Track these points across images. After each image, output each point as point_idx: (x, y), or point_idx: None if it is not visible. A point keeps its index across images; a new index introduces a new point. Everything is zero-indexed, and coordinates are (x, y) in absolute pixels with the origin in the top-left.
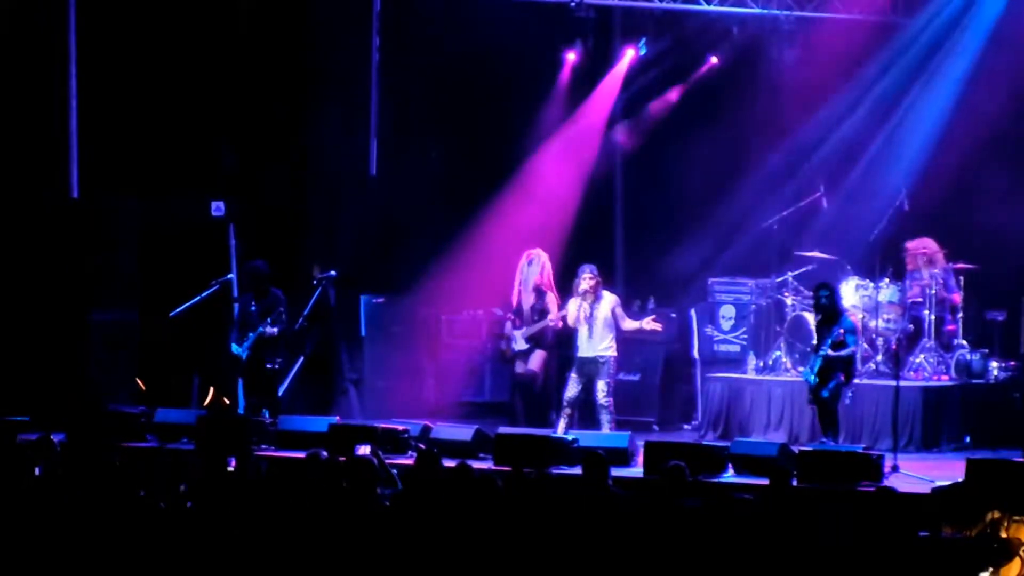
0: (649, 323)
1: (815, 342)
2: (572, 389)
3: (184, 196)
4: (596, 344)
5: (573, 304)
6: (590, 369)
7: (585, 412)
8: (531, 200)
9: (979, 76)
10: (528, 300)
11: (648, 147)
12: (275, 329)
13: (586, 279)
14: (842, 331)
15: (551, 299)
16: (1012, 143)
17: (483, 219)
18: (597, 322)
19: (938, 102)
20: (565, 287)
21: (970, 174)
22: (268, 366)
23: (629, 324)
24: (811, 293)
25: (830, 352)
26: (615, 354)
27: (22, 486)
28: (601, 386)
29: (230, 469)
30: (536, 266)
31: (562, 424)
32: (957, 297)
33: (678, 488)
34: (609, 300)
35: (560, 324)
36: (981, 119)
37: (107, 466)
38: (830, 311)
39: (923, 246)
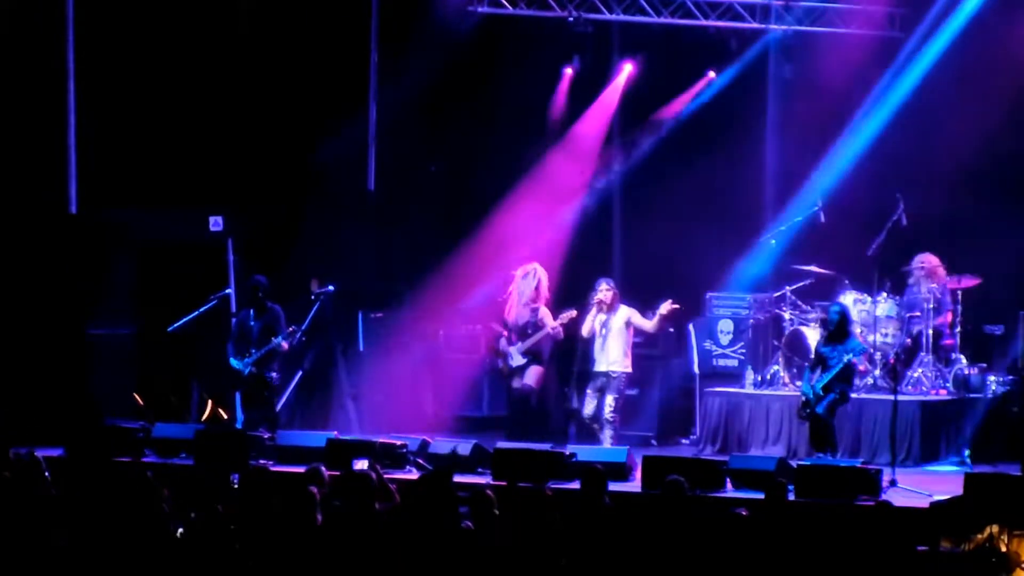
0: (667, 307)
1: (813, 356)
2: (589, 405)
3: (182, 211)
4: (608, 357)
5: (588, 316)
6: (602, 383)
7: (582, 425)
8: (530, 214)
9: (978, 90)
10: (523, 315)
11: (646, 161)
12: (287, 343)
13: (602, 290)
14: (853, 355)
15: (545, 312)
16: (1011, 156)
17: (481, 233)
18: (610, 334)
19: (937, 116)
20: (562, 301)
21: (969, 188)
22: (267, 379)
23: (651, 325)
24: (809, 308)
25: (852, 362)
26: (629, 370)
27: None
28: (609, 400)
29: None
30: (531, 280)
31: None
32: (949, 316)
33: (677, 503)
34: (624, 313)
35: (560, 334)
36: (980, 133)
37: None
38: (839, 330)
39: (923, 261)
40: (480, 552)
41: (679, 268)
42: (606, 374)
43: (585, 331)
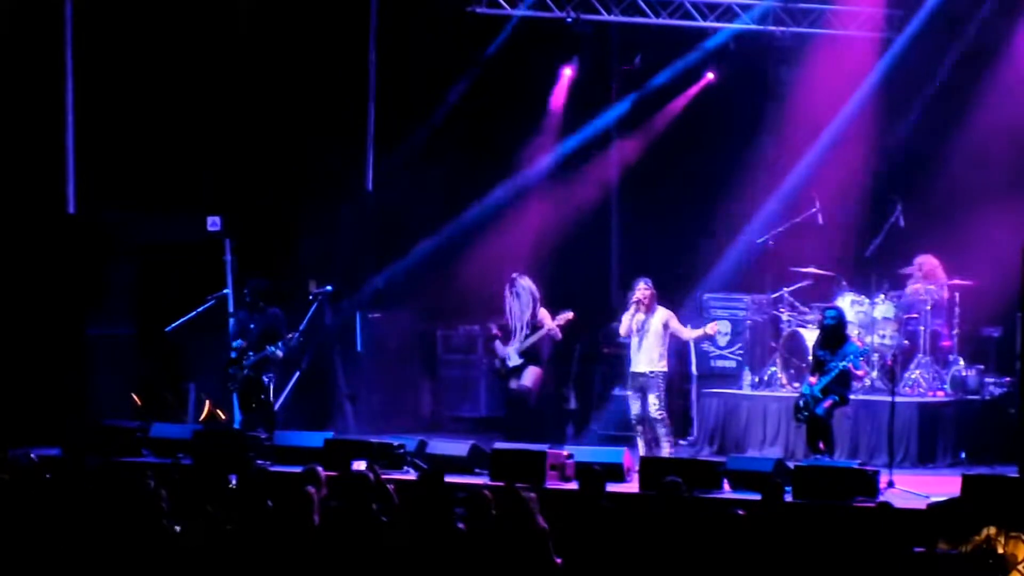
0: (713, 327)
1: (811, 359)
2: (634, 407)
3: (180, 211)
4: (645, 357)
5: (627, 316)
6: (642, 383)
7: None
8: (528, 215)
9: (976, 90)
10: (521, 317)
11: (645, 162)
12: (282, 352)
13: (640, 290)
14: (852, 359)
15: (543, 313)
16: (1010, 158)
17: (479, 234)
18: (648, 335)
19: (935, 117)
20: (561, 301)
21: (967, 189)
22: (263, 383)
23: (690, 334)
24: (807, 309)
25: (847, 369)
26: (666, 369)
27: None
28: (653, 400)
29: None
30: (519, 290)
31: (640, 443)
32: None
33: (675, 504)
34: (662, 314)
35: (558, 335)
36: (978, 134)
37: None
38: (835, 334)
39: (922, 262)
40: (474, 552)
41: (677, 269)
42: (644, 375)
43: (623, 331)
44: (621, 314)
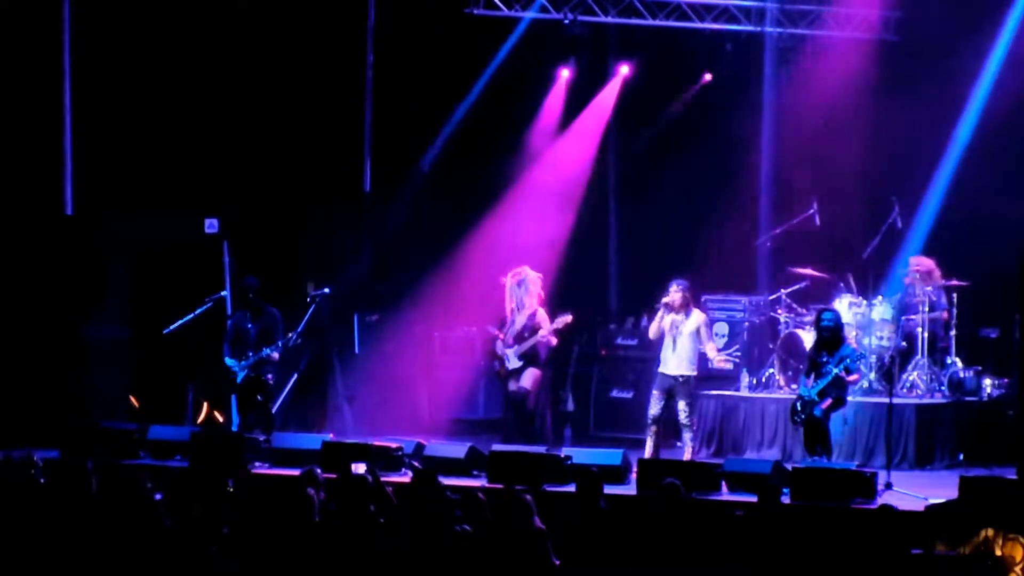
0: (721, 361)
1: (808, 362)
2: (655, 406)
3: (178, 213)
4: (679, 360)
5: (657, 317)
6: (670, 385)
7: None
8: (525, 217)
9: (976, 92)
10: (520, 318)
11: (642, 163)
12: (277, 353)
13: (674, 291)
14: (850, 358)
15: (542, 315)
16: (1008, 158)
17: (477, 236)
18: (683, 338)
19: (934, 119)
20: (559, 302)
21: (965, 191)
22: (263, 382)
23: (710, 348)
24: (805, 311)
25: (842, 374)
26: (696, 373)
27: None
28: (682, 405)
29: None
30: (526, 285)
31: (649, 443)
32: (945, 315)
33: (673, 506)
34: (697, 317)
35: (553, 341)
36: (976, 135)
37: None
38: (833, 337)
39: (918, 263)
40: (472, 554)
41: (674, 270)
42: (675, 378)
43: (652, 334)
44: (645, 315)
